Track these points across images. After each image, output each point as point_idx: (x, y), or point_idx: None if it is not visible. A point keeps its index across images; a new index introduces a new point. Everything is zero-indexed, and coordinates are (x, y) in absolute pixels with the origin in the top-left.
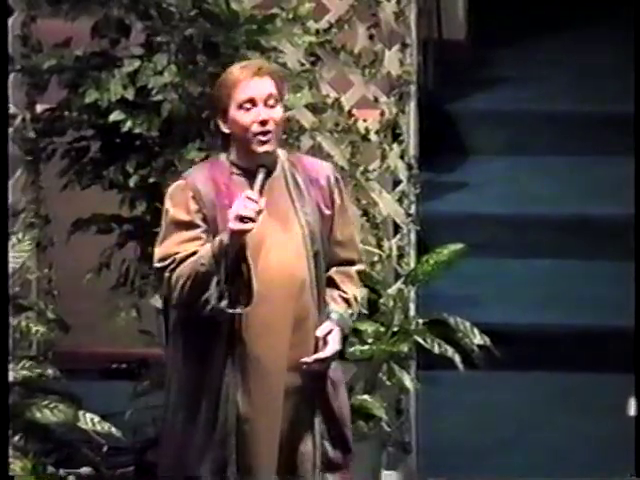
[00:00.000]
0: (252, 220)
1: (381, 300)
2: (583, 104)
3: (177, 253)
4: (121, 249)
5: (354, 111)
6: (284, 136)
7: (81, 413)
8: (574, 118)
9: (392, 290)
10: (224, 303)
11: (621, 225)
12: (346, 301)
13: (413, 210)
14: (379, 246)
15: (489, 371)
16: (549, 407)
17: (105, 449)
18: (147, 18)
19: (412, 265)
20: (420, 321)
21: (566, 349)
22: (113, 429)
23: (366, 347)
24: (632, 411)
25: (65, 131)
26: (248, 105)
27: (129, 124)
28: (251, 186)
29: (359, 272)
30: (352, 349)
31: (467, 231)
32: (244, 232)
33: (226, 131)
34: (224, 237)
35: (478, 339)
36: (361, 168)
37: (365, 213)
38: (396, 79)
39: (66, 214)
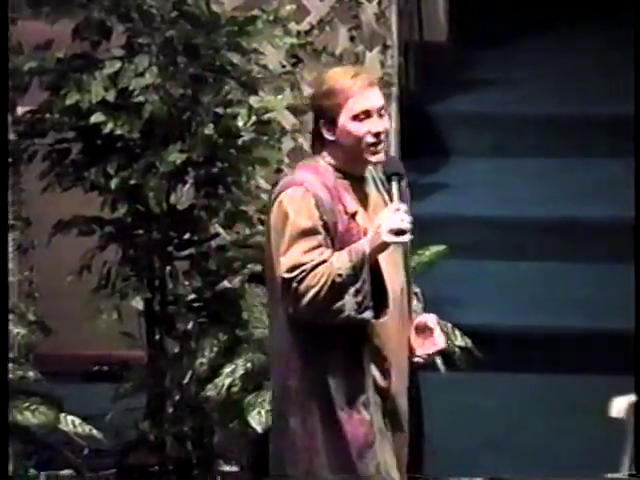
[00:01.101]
0: (407, 232)
1: None
2: (566, 106)
3: (304, 263)
4: (102, 251)
5: None
6: (264, 138)
7: (62, 415)
8: (557, 120)
9: None
10: (367, 314)
11: (605, 227)
12: (417, 295)
13: None
14: None
15: (471, 372)
16: (532, 409)
17: (86, 451)
18: (128, 20)
19: None
20: None
21: (549, 351)
22: (94, 431)
23: None
24: (615, 412)
25: (46, 133)
26: (362, 116)
27: (110, 126)
28: (354, 190)
29: None
30: None
31: (449, 232)
32: (397, 243)
33: (331, 138)
34: (365, 247)
35: (460, 341)
36: None
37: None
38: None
39: (47, 216)
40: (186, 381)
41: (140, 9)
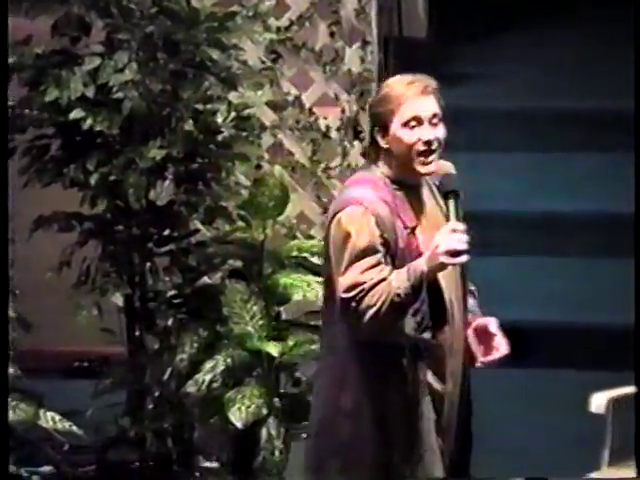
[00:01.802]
0: (464, 253)
1: None
2: (547, 100)
3: (364, 282)
4: (82, 247)
5: (315, 108)
6: (244, 134)
7: (42, 411)
8: (538, 115)
9: None
10: (427, 334)
11: (586, 221)
12: (472, 293)
13: None
14: None
15: None
16: (512, 404)
17: (66, 447)
18: (107, 16)
19: None
20: None
21: (530, 346)
22: (74, 427)
23: None
24: (594, 408)
25: (25, 129)
26: (413, 123)
27: (90, 122)
28: (411, 202)
29: None
30: (313, 346)
31: None
32: (455, 265)
33: (385, 146)
34: (423, 267)
35: None
36: (322, 165)
37: (326, 210)
38: (357, 76)
39: (27, 212)
40: (166, 377)
41: (120, 5)
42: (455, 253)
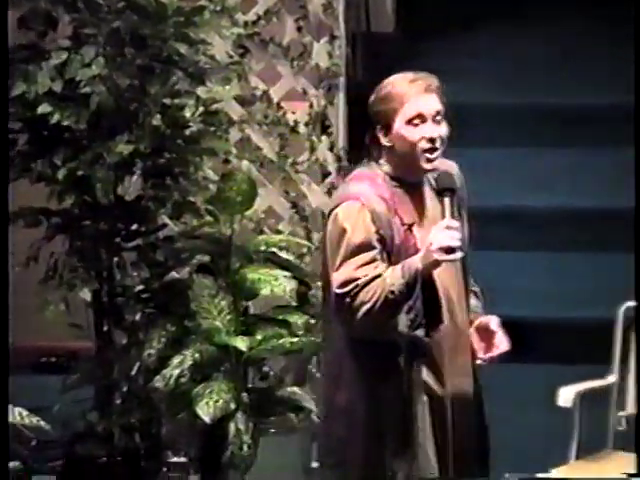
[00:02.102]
0: (457, 249)
1: (310, 292)
2: (515, 96)
3: (358, 278)
4: (50, 242)
5: (283, 103)
6: (212, 128)
7: (10, 407)
8: (507, 110)
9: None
10: (420, 331)
11: (551, 216)
12: (476, 294)
13: None
14: (308, 238)
15: None
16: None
17: (34, 443)
18: (74, 10)
19: None
20: None
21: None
22: (42, 423)
23: (296, 339)
24: (562, 401)
25: None
26: (417, 121)
27: (57, 116)
28: (411, 199)
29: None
30: (281, 341)
31: None
32: (449, 261)
33: (387, 144)
34: (418, 264)
35: None
36: (290, 160)
37: (294, 205)
38: (325, 71)
39: None
40: (134, 372)
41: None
42: (448, 250)
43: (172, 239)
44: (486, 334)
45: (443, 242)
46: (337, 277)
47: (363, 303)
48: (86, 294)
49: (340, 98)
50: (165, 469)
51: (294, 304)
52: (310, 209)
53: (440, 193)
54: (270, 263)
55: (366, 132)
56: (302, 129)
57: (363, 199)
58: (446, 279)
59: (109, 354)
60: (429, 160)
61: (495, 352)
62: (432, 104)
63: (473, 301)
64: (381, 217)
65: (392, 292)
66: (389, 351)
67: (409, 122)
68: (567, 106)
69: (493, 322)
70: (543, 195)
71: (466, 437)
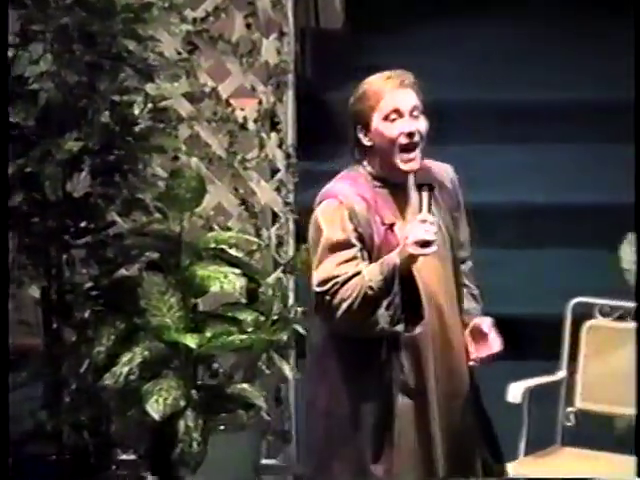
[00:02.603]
0: (432, 243)
1: (260, 289)
2: (467, 92)
3: (337, 276)
4: None
5: (232, 100)
6: (161, 125)
7: None
8: (458, 107)
9: (271, 279)
10: (400, 326)
11: (511, 212)
12: (474, 297)
13: (291, 199)
14: (258, 235)
15: None
16: None
17: None
18: (22, 7)
19: (291, 254)
20: (299, 309)
21: None
22: None
23: (245, 336)
24: (511, 397)
25: None
26: (394, 116)
27: None
28: (395, 199)
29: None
30: (231, 338)
31: None
32: (423, 255)
33: (368, 144)
34: (395, 260)
35: None
36: (239, 157)
37: (243, 202)
38: (274, 68)
39: None
40: (83, 370)
41: None
42: (423, 243)
43: (121, 236)
44: (479, 335)
45: (418, 236)
46: (317, 275)
47: (343, 300)
48: (35, 291)
49: (289, 95)
50: (115, 467)
51: (244, 301)
52: (259, 206)
53: (419, 188)
54: (219, 260)
55: (347, 135)
56: (251, 126)
57: (342, 197)
58: (428, 276)
59: (58, 351)
60: (407, 160)
61: (485, 353)
62: (408, 99)
63: (471, 304)
64: (359, 215)
65: (371, 288)
66: (369, 350)
67: (386, 118)
68: (518, 102)
69: (485, 324)
70: (499, 192)
71: (459, 435)
